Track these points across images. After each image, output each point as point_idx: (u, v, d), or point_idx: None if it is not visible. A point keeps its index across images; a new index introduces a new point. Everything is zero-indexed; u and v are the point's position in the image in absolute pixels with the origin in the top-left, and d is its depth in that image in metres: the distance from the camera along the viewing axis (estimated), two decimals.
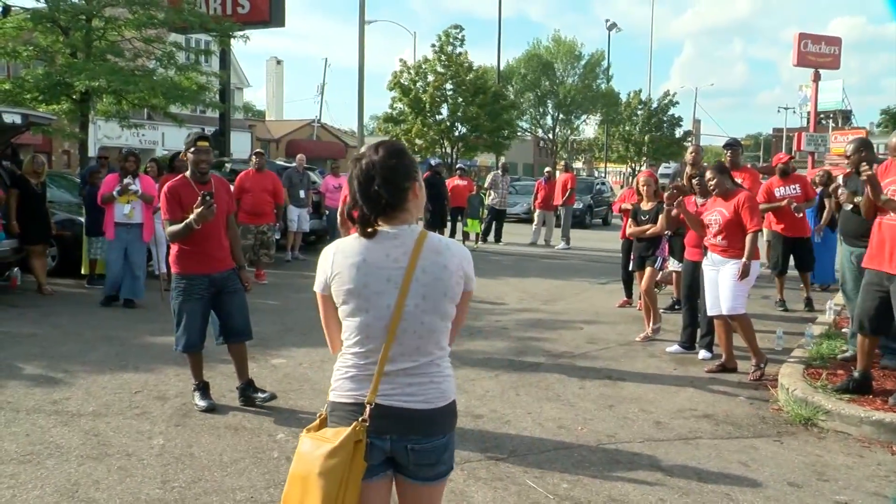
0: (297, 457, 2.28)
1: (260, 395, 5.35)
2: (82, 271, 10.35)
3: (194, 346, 5.21)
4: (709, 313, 6.65)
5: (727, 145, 8.60)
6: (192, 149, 5.21)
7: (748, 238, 6.23)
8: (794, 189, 9.48)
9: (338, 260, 2.31)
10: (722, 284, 6.36)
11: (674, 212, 7.11)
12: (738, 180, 7.80)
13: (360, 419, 2.23)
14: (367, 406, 2.25)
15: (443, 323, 2.32)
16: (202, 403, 5.24)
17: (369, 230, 2.28)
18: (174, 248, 5.19)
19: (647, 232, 7.78)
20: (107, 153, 12.13)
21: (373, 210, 2.28)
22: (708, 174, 6.53)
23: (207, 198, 4.95)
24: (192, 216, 4.94)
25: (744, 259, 6.19)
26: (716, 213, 6.42)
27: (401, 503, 2.45)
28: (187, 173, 5.29)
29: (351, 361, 2.33)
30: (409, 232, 2.30)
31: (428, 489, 2.39)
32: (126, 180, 8.80)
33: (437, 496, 2.45)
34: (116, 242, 8.88)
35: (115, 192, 8.76)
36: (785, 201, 9.31)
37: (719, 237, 6.38)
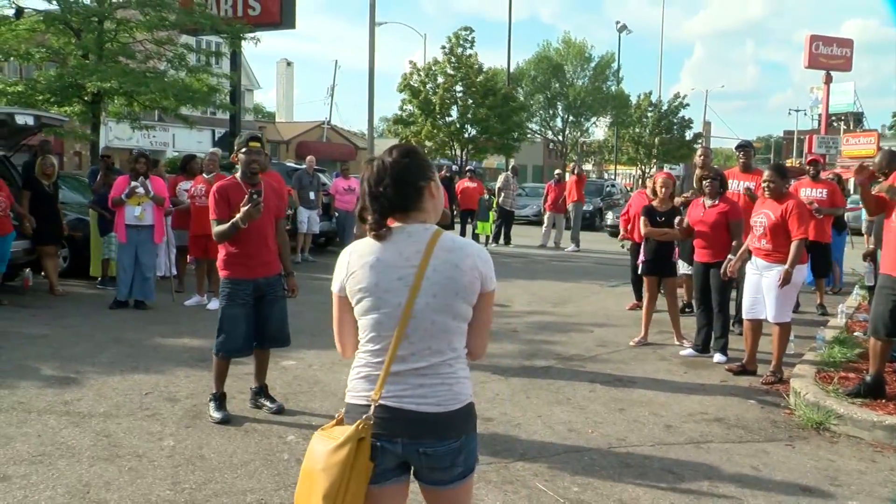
0: (307, 454, 2.29)
1: (269, 404, 5.33)
2: (90, 272, 10.40)
3: (233, 351, 5.14)
4: (745, 316, 6.61)
5: (740, 147, 8.53)
6: (244, 149, 5.11)
7: (793, 245, 6.10)
8: (821, 193, 9.42)
9: (353, 260, 2.33)
10: (768, 292, 6.26)
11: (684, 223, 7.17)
12: (751, 183, 7.76)
13: (363, 417, 2.23)
14: (372, 404, 2.25)
15: (455, 323, 2.29)
16: (217, 415, 5.10)
17: (381, 231, 2.29)
18: (221, 252, 5.13)
19: (665, 236, 7.55)
20: (109, 153, 12.11)
21: (382, 210, 2.28)
22: (766, 174, 6.39)
23: (255, 196, 4.88)
24: (238, 215, 4.89)
25: (786, 266, 6.08)
26: (762, 215, 6.30)
27: None
28: (237, 174, 5.21)
29: (363, 361, 2.33)
30: (424, 231, 2.29)
31: (448, 493, 2.35)
32: (133, 183, 8.78)
33: (462, 498, 2.39)
34: (127, 245, 8.83)
35: (123, 196, 8.75)
36: (805, 201, 9.27)
37: (763, 241, 6.28)
